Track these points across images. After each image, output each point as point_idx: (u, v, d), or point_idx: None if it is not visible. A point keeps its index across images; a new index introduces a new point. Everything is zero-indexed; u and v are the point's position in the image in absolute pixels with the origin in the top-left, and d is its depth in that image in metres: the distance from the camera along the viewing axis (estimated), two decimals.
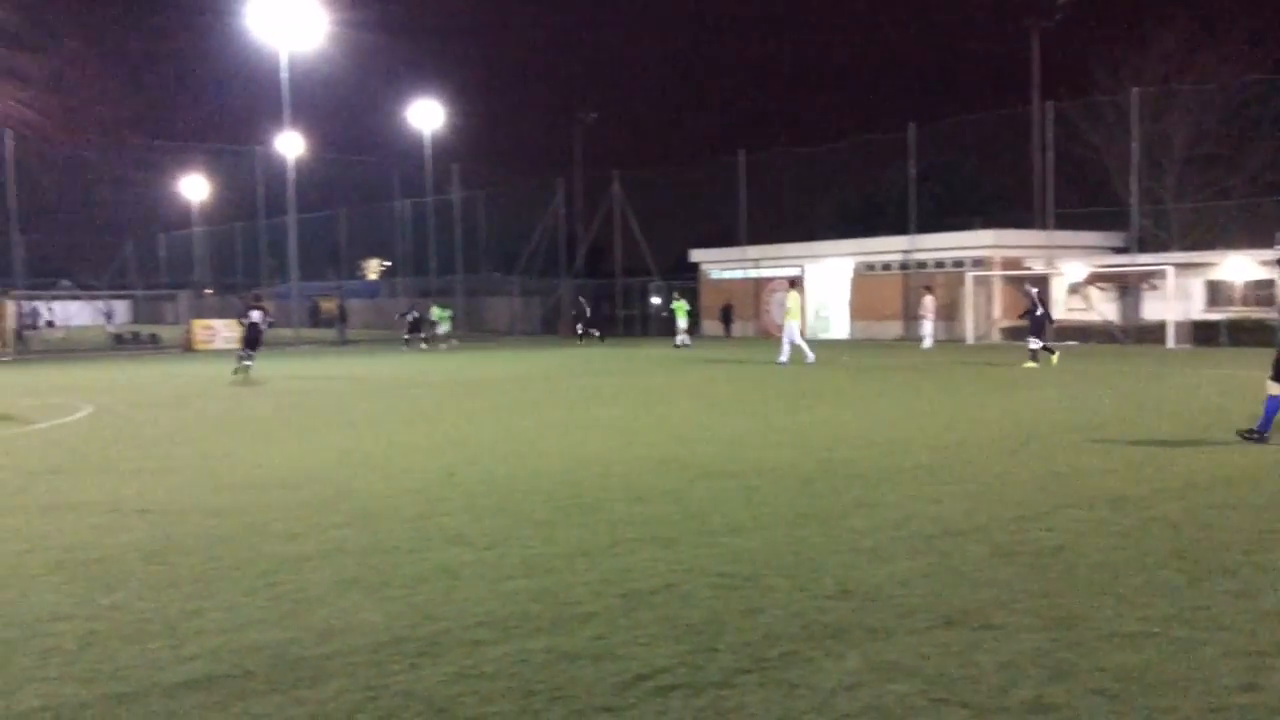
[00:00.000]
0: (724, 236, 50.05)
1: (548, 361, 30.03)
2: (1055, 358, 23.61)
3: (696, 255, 50.46)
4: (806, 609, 5.51)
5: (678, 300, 38.01)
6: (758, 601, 5.66)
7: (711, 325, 48.43)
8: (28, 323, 44.66)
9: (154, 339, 44.64)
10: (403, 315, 40.61)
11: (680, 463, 10.52)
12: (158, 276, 66.31)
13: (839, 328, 44.47)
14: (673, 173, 55.24)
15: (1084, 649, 4.85)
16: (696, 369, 25.35)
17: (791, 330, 25.90)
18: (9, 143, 39.21)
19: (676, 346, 35.20)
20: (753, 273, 47.15)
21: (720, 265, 49.15)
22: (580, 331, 41.73)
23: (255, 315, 23.94)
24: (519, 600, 5.75)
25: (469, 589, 6.00)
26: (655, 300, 52.16)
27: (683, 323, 36.66)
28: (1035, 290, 24.78)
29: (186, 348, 40.03)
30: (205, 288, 64.95)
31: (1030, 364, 23.44)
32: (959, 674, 4.55)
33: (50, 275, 55.07)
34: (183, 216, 71.59)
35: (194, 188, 70.07)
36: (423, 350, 37.03)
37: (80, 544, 7.27)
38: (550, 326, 52.32)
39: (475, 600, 5.77)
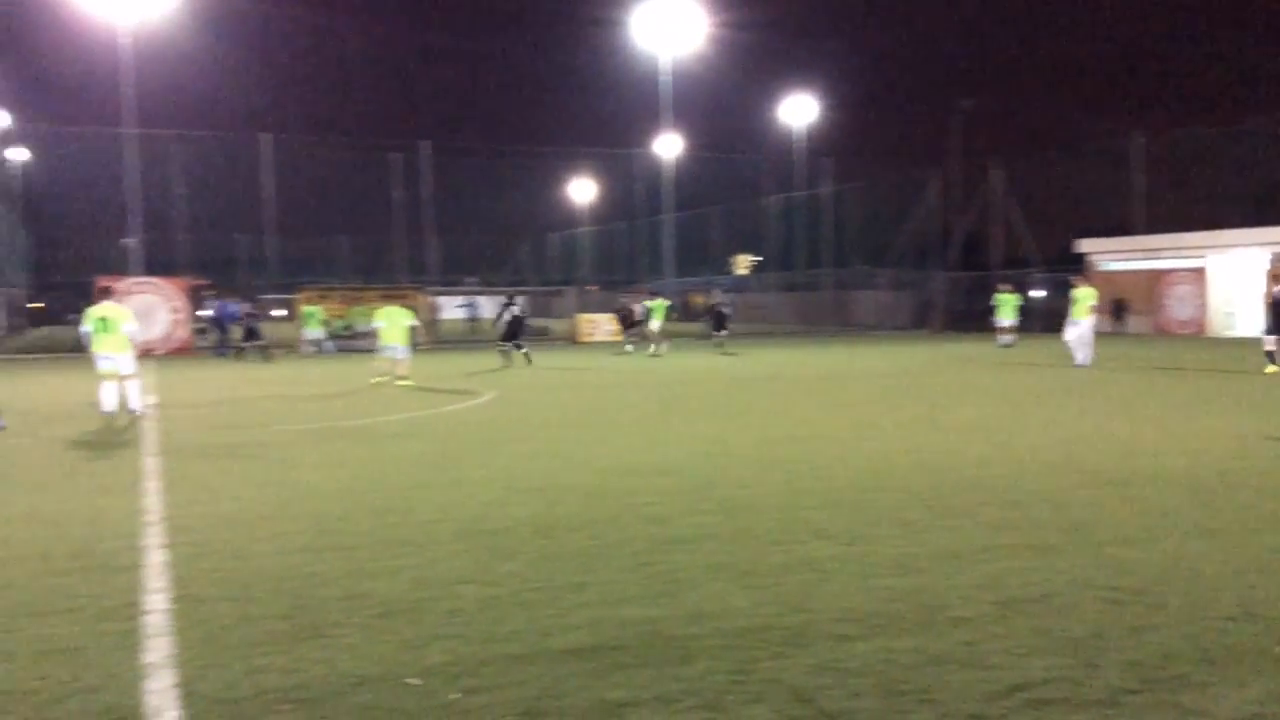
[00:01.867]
0: (1114, 226, 46.49)
1: (910, 357, 29.30)
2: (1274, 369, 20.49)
3: (1085, 245, 47.16)
4: (1203, 630, 5.05)
5: (1004, 294, 33.24)
6: (1147, 619, 5.25)
7: (1099, 320, 45.14)
8: (475, 315, 49.59)
9: (544, 331, 48.18)
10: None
11: (1061, 468, 9.93)
12: (548, 273, 71.39)
13: (1250, 325, 40.05)
14: (1057, 159, 51.99)
15: None
16: (1065, 370, 23.76)
17: (1081, 328, 24.11)
18: (426, 154, 43.78)
19: (1003, 347, 31.79)
20: (1147, 264, 43.52)
21: (1111, 256, 45.71)
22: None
23: (515, 309, 28.16)
24: (885, 598, 5.68)
25: (835, 583, 6.00)
26: (1035, 293, 49.09)
27: (1007, 320, 32.57)
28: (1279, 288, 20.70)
29: (573, 340, 42.81)
30: (590, 284, 69.16)
31: (1271, 368, 20.52)
32: None
33: (459, 273, 60.78)
34: (570, 217, 76.68)
35: (581, 190, 74.82)
36: (628, 352, 33.58)
37: (481, 516, 8.02)
38: (921, 321, 50.99)
39: (841, 595, 5.77)
